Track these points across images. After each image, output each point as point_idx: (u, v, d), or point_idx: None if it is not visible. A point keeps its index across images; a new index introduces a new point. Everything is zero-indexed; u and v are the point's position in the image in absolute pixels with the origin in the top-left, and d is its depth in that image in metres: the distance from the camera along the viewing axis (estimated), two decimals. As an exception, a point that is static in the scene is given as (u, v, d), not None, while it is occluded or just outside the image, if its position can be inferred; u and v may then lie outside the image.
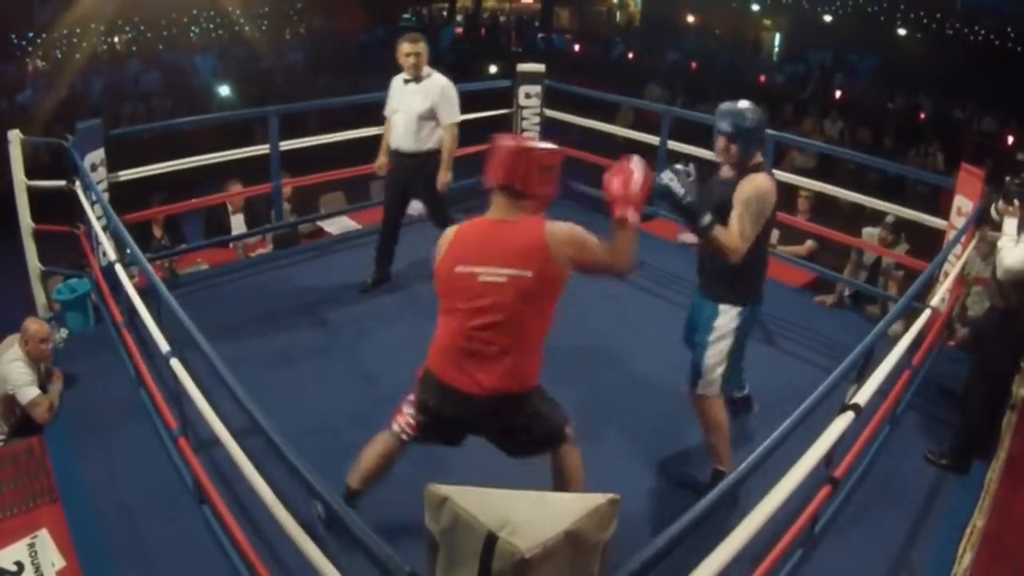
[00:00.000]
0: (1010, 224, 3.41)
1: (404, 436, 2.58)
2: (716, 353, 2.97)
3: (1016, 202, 3.46)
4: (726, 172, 2.96)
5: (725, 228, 2.75)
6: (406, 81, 4.45)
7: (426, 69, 4.43)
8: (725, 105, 2.91)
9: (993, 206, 3.76)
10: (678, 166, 2.73)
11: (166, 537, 2.85)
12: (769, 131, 5.27)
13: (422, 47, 4.40)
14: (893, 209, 4.72)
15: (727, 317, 2.97)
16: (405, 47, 4.38)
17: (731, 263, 2.77)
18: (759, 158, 2.92)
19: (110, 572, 2.73)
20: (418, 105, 4.38)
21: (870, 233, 5.06)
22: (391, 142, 4.55)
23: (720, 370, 2.97)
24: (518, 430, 2.48)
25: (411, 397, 2.56)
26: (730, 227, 2.76)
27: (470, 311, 2.31)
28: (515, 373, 2.33)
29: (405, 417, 2.56)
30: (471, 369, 2.32)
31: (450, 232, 2.45)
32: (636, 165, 2.37)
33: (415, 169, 4.49)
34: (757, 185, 2.79)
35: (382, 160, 4.67)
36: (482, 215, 2.43)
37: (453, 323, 2.37)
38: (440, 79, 4.46)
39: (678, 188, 2.67)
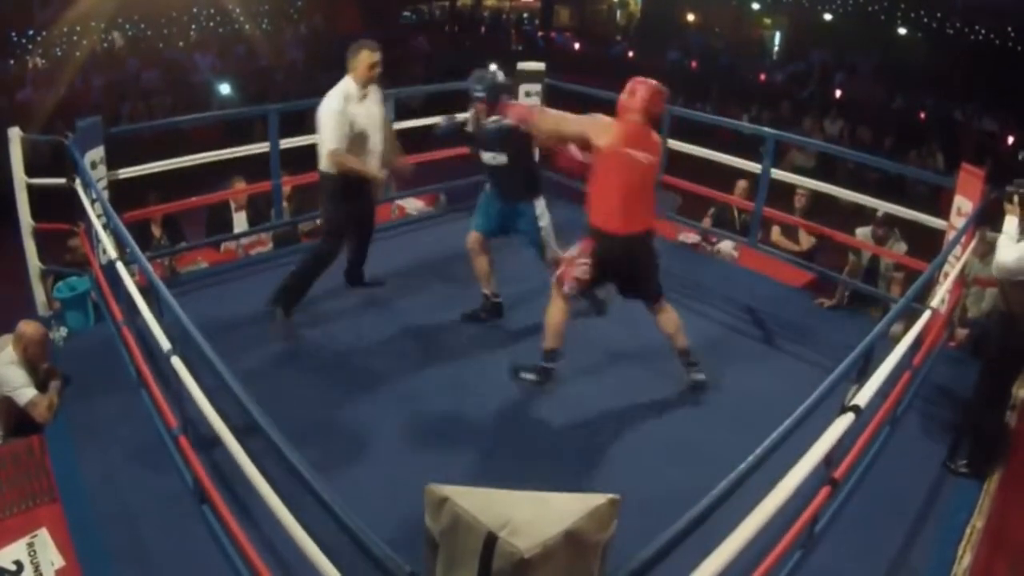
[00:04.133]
0: (1010, 223, 3.41)
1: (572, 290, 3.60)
2: (548, 232, 4.19)
3: (1015, 200, 3.46)
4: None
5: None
6: (363, 96, 4.08)
7: None
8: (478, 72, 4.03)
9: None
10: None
11: (166, 536, 2.85)
12: (769, 130, 5.30)
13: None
14: (892, 208, 4.71)
15: (540, 205, 4.16)
16: (376, 56, 4.05)
17: (521, 176, 4.10)
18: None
19: (109, 572, 2.73)
20: (381, 114, 4.26)
21: (864, 233, 5.04)
22: (372, 163, 4.17)
23: (553, 241, 4.18)
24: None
25: (580, 259, 3.51)
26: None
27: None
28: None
29: (574, 273, 3.54)
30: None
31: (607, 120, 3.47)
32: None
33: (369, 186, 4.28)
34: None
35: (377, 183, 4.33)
36: None
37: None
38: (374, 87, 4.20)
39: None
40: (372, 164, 4.18)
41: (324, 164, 4.10)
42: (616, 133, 3.38)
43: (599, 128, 3.42)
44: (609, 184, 3.43)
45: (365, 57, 4.03)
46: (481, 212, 4.31)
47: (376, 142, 4.20)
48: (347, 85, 4.06)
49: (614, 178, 3.40)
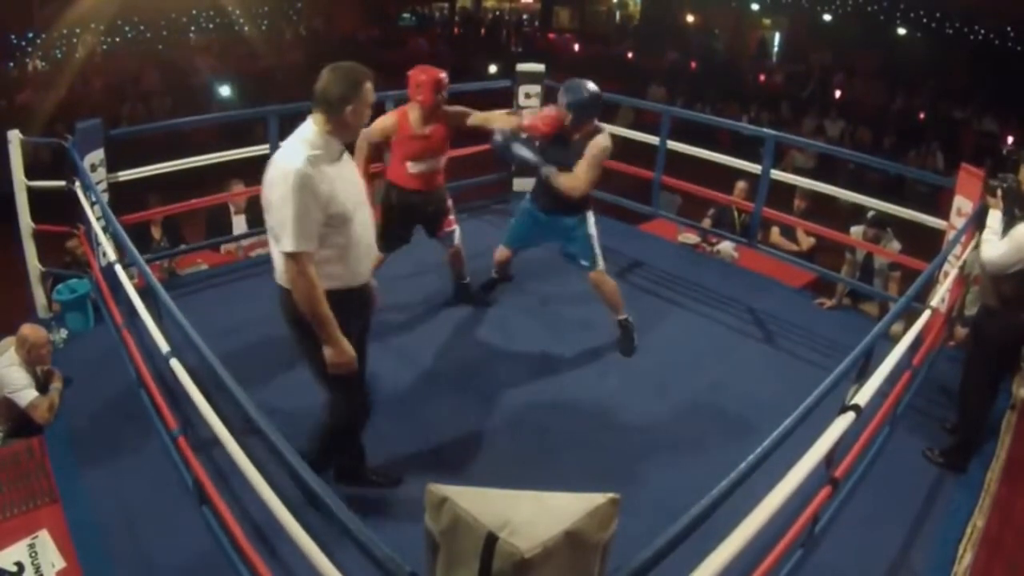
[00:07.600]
0: (993, 218, 3.42)
1: None
2: (595, 243, 4.06)
3: (999, 194, 3.47)
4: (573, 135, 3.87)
5: (568, 174, 3.82)
6: (340, 155, 2.55)
7: None
8: (568, 81, 3.88)
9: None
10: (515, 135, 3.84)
11: (166, 537, 2.85)
12: (769, 131, 5.30)
13: None
14: (891, 209, 4.71)
15: (590, 219, 4.06)
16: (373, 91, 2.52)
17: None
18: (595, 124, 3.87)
19: (110, 573, 2.73)
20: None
21: (857, 231, 5.04)
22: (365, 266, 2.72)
23: (599, 251, 4.08)
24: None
25: None
26: (576, 173, 3.81)
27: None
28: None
29: None
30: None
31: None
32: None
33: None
34: (600, 143, 3.79)
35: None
36: None
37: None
38: None
39: (524, 152, 3.85)
40: (364, 268, 2.71)
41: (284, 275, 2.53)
42: None
43: None
44: None
45: (369, 91, 2.48)
46: (514, 229, 4.34)
47: (367, 224, 2.67)
48: (315, 137, 2.45)
49: None
